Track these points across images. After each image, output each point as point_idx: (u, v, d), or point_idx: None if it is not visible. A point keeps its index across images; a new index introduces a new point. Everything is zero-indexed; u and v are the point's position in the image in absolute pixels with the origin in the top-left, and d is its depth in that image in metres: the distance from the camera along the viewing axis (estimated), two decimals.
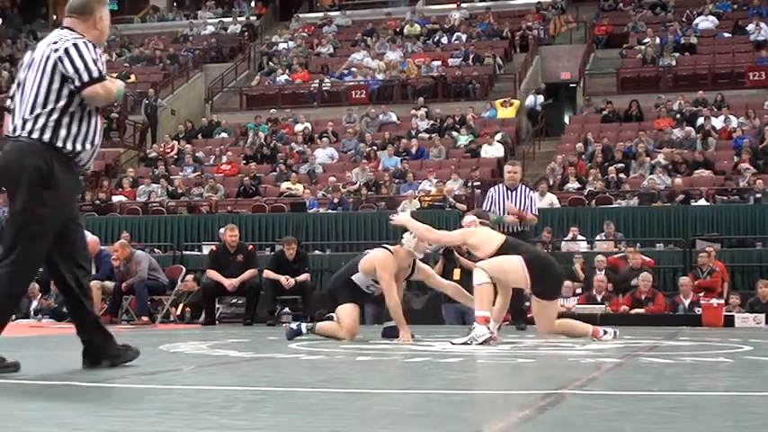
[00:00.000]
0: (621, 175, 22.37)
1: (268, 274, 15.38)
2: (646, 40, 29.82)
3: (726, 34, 30.38)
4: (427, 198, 22.36)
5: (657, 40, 29.66)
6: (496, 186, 13.49)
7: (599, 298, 16.44)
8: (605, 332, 9.38)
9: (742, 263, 18.08)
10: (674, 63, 28.68)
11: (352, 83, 30.56)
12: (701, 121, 24.83)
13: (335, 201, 22.07)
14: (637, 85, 28.52)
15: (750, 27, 29.59)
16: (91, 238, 17.59)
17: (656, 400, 4.76)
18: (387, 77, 30.52)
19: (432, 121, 27.63)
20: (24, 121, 5.81)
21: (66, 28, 5.98)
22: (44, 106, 5.80)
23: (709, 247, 17.48)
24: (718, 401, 4.73)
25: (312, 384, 5.54)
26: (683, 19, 31.24)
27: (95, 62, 5.82)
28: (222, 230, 16.59)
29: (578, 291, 16.83)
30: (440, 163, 25.06)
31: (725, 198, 20.83)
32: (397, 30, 33.89)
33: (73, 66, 5.77)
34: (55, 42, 5.86)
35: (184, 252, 19.89)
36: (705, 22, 30.87)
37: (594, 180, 22.12)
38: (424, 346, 8.94)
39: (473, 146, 25.55)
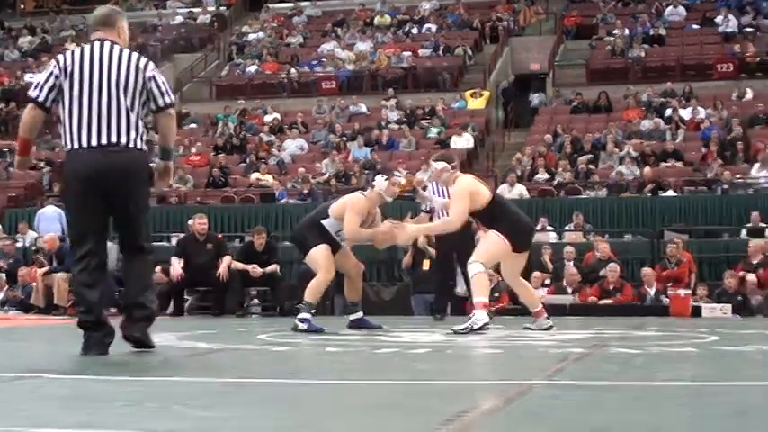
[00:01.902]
0: (590, 166, 22.45)
1: (236, 264, 15.33)
2: (615, 32, 29.91)
3: (694, 26, 30.52)
4: (397, 189, 22.31)
5: (626, 32, 29.76)
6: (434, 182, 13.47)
7: (569, 289, 16.51)
8: (547, 319, 9.83)
9: (709, 253, 18.19)
10: (642, 54, 28.79)
11: (322, 73, 30.50)
12: (669, 112, 24.95)
13: (305, 192, 22.04)
14: (606, 76, 28.59)
15: (718, 19, 29.73)
16: (48, 236, 17.59)
17: (624, 390, 4.78)
18: (357, 68, 30.48)
19: (402, 112, 27.62)
20: (130, 129, 6.60)
21: (107, 40, 6.58)
22: (137, 116, 6.62)
23: (677, 238, 17.58)
24: (684, 391, 4.76)
25: (280, 375, 5.53)
26: (653, 10, 31.35)
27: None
28: (191, 221, 16.54)
29: (547, 281, 16.88)
30: (410, 154, 25.05)
31: (693, 189, 20.97)
32: (368, 20, 33.84)
33: (159, 88, 6.65)
34: (138, 59, 6.60)
35: (153, 243, 19.77)
36: (674, 14, 31.00)
37: (563, 171, 22.19)
38: (393, 337, 8.94)
39: (443, 137, 25.56)
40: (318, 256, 9.90)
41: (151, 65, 6.61)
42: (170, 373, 5.71)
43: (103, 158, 6.37)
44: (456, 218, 9.49)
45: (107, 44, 6.54)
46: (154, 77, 6.52)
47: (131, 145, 6.45)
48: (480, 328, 8.99)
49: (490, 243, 9.42)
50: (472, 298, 9.49)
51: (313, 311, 9.92)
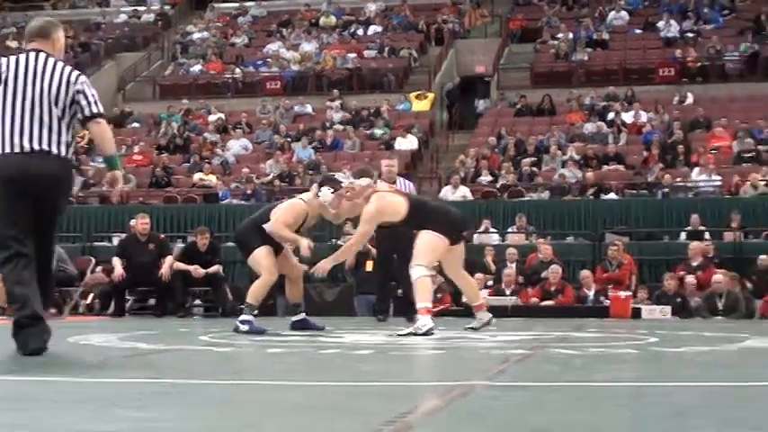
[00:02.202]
0: (534, 169, 22.59)
1: (178, 265, 15.24)
2: (559, 36, 30.12)
3: (637, 31, 30.82)
4: None
5: (570, 36, 29.99)
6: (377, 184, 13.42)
7: (507, 291, 16.59)
8: (486, 315, 9.95)
9: (650, 256, 18.39)
10: (586, 58, 29.03)
11: (267, 73, 30.41)
12: (611, 115, 25.17)
13: (249, 192, 21.96)
14: (549, 79, 28.78)
15: (660, 24, 30.05)
16: None
17: (564, 391, 4.82)
18: (302, 69, 30.43)
19: (346, 113, 27.61)
20: (59, 140, 6.67)
21: (41, 51, 6.72)
22: (68, 127, 6.74)
23: (618, 241, 17.76)
24: (623, 392, 4.80)
25: (221, 377, 5.51)
26: (596, 15, 31.62)
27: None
28: (133, 221, 16.42)
29: (489, 283, 16.96)
30: (354, 155, 25.05)
31: (634, 192, 21.18)
32: (313, 21, 33.77)
33: (86, 98, 6.75)
34: (66, 69, 6.70)
35: (94, 243, 19.63)
36: (617, 19, 31.29)
37: (507, 173, 22.31)
38: (336, 338, 8.94)
39: (388, 138, 25.58)
40: (261, 257, 9.86)
41: (82, 78, 6.76)
42: (110, 374, 5.66)
43: (31, 163, 6.46)
44: (359, 239, 9.69)
45: (42, 55, 6.69)
46: (83, 90, 6.67)
47: (61, 153, 6.58)
48: (425, 334, 8.92)
49: (426, 243, 9.35)
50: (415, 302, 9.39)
51: (255, 313, 9.89)
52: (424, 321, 9.04)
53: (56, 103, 6.58)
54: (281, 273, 10.17)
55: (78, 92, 6.65)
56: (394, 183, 12.70)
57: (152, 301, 15.88)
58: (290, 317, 10.49)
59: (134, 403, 4.16)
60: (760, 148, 22.55)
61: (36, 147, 6.51)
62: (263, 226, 9.93)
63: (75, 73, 6.75)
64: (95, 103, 6.74)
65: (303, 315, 10.27)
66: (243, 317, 9.76)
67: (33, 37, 6.85)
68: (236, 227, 10.49)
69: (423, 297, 9.23)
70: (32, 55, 6.71)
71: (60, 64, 6.74)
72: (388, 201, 9.51)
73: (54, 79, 6.63)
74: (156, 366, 6.38)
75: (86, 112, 6.69)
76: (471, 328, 9.97)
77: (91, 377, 5.45)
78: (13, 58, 6.75)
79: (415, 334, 8.92)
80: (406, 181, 13.37)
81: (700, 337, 9.88)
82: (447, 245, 9.39)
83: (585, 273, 16.88)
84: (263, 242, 9.89)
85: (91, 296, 16.55)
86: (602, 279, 16.91)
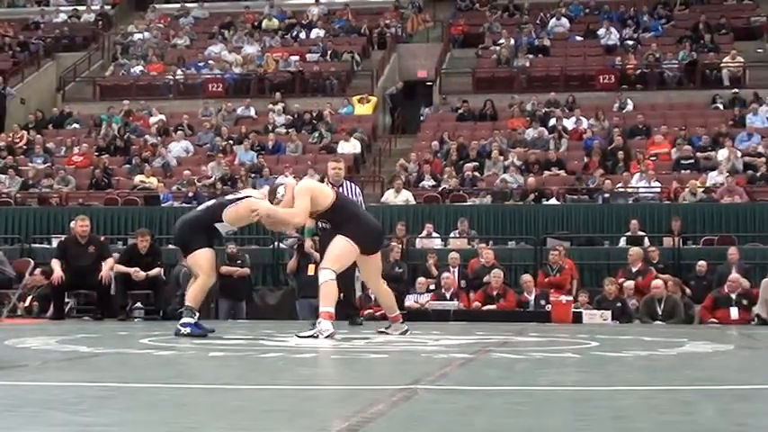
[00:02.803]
0: (476, 174, 22.68)
1: (119, 267, 15.10)
2: (501, 41, 30.28)
3: (578, 37, 31.08)
4: None
5: (512, 42, 30.17)
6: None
7: (447, 295, 16.64)
8: (402, 324, 10.22)
9: (590, 260, 18.54)
10: (527, 64, 29.21)
11: (209, 75, 30.25)
12: (553, 121, 25.36)
13: (190, 195, 21.82)
14: (491, 84, 28.93)
15: (601, 31, 30.32)
16: None
17: (506, 395, 4.84)
18: (244, 71, 30.31)
19: (289, 117, 27.55)
20: None
21: None
22: None
23: (559, 245, 17.89)
24: (565, 396, 4.83)
25: (163, 380, 5.46)
26: (537, 21, 31.84)
27: None
28: (73, 223, 16.24)
29: (432, 287, 16.99)
30: (296, 158, 25.00)
31: (575, 197, 21.35)
32: (255, 23, 33.65)
33: None
34: None
35: (33, 245, 19.39)
36: (558, 26, 31.53)
37: (449, 178, 22.38)
38: (278, 342, 8.91)
39: (329, 142, 25.55)
40: (202, 259, 9.76)
41: None
42: (49, 378, 5.59)
43: None
44: (299, 210, 9.47)
45: None
46: None
47: None
48: (327, 338, 8.96)
49: (338, 247, 9.49)
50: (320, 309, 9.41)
51: (196, 315, 9.80)
52: (326, 326, 9.11)
53: None
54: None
55: None
56: (340, 185, 12.65)
57: (92, 304, 15.69)
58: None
59: (74, 407, 4.11)
60: (698, 155, 22.85)
61: None
62: (216, 225, 9.75)
63: None
64: None
65: (196, 320, 10.04)
66: (184, 320, 9.67)
67: None
68: (177, 224, 10.17)
69: (327, 302, 9.31)
70: None
71: None
72: (317, 184, 9.99)
73: None
74: (96, 370, 6.32)
75: None
76: (383, 331, 10.25)
77: (29, 380, 5.38)
78: None
79: (316, 337, 9.00)
80: (353, 184, 13.30)
81: (639, 341, 9.98)
82: (357, 253, 9.56)
83: (526, 277, 16.98)
84: (207, 243, 9.79)
85: (29, 299, 16.34)
86: (543, 284, 17.02)
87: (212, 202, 10.53)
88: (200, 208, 10.41)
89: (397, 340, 9.32)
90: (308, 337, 9.05)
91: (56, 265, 15.05)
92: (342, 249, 9.48)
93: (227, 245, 17.88)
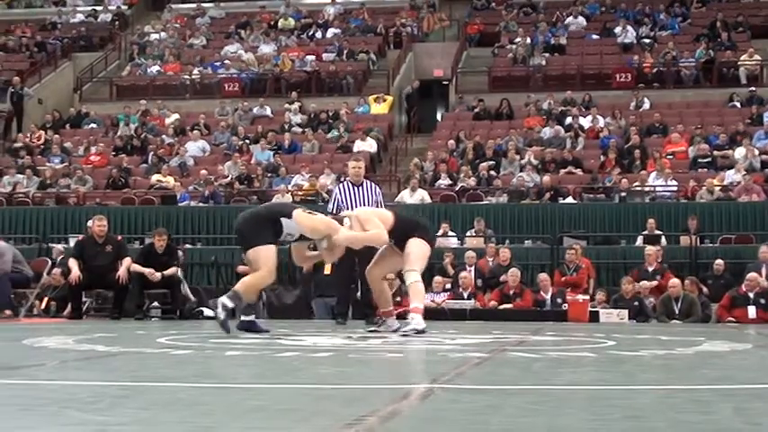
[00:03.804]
0: (492, 173, 22.67)
1: (136, 267, 15.15)
2: (517, 40, 30.26)
3: (594, 36, 31.03)
4: (300, 193, 22.32)
5: (528, 40, 30.13)
6: (341, 184, 13.37)
7: (465, 294, 16.63)
8: (395, 320, 10.60)
9: (607, 259, 18.50)
10: (543, 63, 29.18)
11: (225, 75, 30.31)
12: (569, 120, 25.32)
13: (207, 194, 21.87)
14: (507, 83, 28.91)
15: (617, 29, 30.28)
16: None
17: (523, 394, 4.83)
18: (260, 71, 30.35)
19: (305, 116, 27.57)
20: None
21: None
22: None
23: (576, 244, 17.86)
24: (582, 395, 4.82)
25: (180, 379, 5.47)
26: (553, 20, 31.80)
27: None
28: (90, 222, 16.30)
29: (448, 286, 16.99)
30: (312, 157, 25.03)
31: (591, 196, 21.31)
32: (272, 23, 33.71)
33: None
34: None
35: (51, 244, 19.46)
36: (574, 24, 31.48)
37: (465, 177, 22.38)
38: (295, 341, 8.92)
39: (346, 141, 25.58)
40: (267, 255, 9.55)
41: None
42: (67, 377, 5.61)
43: None
44: (380, 230, 9.86)
45: None
46: None
47: None
48: (421, 332, 9.65)
49: (418, 248, 9.99)
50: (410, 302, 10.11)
51: (241, 306, 9.66)
52: (418, 320, 9.81)
53: None
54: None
55: None
56: (360, 184, 12.68)
57: (109, 304, 15.74)
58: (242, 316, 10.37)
59: (91, 406, 4.12)
60: (715, 153, 22.78)
61: None
62: (282, 220, 9.64)
63: None
64: None
65: (253, 317, 10.26)
66: (223, 300, 9.50)
67: None
68: (240, 218, 9.93)
69: (418, 299, 10.00)
70: None
71: None
72: (375, 209, 10.55)
73: None
74: (113, 369, 6.33)
75: None
76: (374, 330, 10.60)
77: (46, 379, 5.40)
78: None
79: (416, 330, 9.67)
80: (373, 184, 13.32)
81: (656, 340, 9.95)
82: (428, 252, 10.21)
83: (543, 276, 16.96)
84: (272, 239, 9.64)
85: (46, 298, 16.40)
86: (559, 283, 17.00)
87: (280, 200, 10.66)
88: (266, 204, 10.43)
89: (414, 339, 9.32)
90: (406, 333, 9.64)
91: (73, 264, 15.08)
92: (421, 249, 10.05)
93: None
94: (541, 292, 16.70)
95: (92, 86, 31.91)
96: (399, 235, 9.96)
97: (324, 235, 9.70)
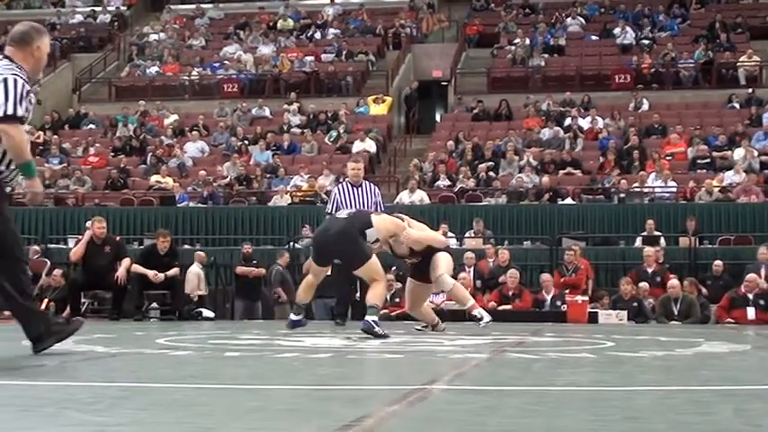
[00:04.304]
0: (491, 174, 22.68)
1: (136, 268, 15.16)
2: (516, 41, 30.27)
3: (593, 37, 31.04)
4: (298, 193, 22.33)
5: (527, 41, 30.15)
6: (340, 185, 13.41)
7: None
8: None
9: (606, 260, 18.51)
10: (542, 64, 29.19)
11: (224, 76, 30.31)
12: (568, 121, 25.34)
13: (206, 195, 21.87)
14: (507, 84, 28.92)
15: (616, 30, 30.30)
16: None
17: (522, 395, 4.83)
18: (259, 72, 30.36)
19: (304, 117, 27.58)
20: None
21: (6, 57, 6.45)
22: None
23: (575, 245, 17.86)
24: (581, 396, 4.82)
25: (179, 380, 5.47)
26: (552, 21, 31.81)
27: (17, 102, 6.20)
28: (89, 223, 16.29)
29: None
30: (311, 158, 25.04)
31: (590, 197, 21.31)
32: (270, 24, 33.71)
33: None
34: None
35: (49, 245, 19.46)
36: (573, 25, 31.49)
37: (465, 178, 22.38)
38: (294, 342, 8.92)
39: (345, 142, 25.58)
40: (377, 267, 9.81)
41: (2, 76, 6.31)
42: (66, 378, 5.61)
43: None
44: (435, 233, 11.14)
45: None
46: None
47: None
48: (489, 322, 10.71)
49: (443, 257, 10.63)
50: (465, 307, 11.08)
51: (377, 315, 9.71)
52: (482, 313, 10.87)
53: None
54: (306, 274, 10.58)
55: None
56: (359, 185, 12.69)
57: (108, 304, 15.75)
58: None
59: (90, 407, 4.12)
60: (714, 154, 22.79)
61: None
62: (367, 231, 9.81)
63: (6, 73, 6.31)
64: (5, 102, 6.19)
65: (302, 316, 10.57)
66: (369, 318, 9.55)
67: (10, 42, 6.57)
68: (331, 237, 9.95)
69: (467, 297, 11.11)
70: None
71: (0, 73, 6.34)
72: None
73: None
74: (112, 370, 6.33)
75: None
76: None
77: (45, 380, 5.39)
78: None
79: (488, 323, 10.68)
80: (372, 185, 13.33)
81: (655, 341, 9.95)
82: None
83: (546, 276, 16.95)
84: (369, 251, 9.79)
85: (46, 299, 16.40)
86: (558, 284, 17.00)
87: (350, 211, 10.66)
88: (341, 217, 10.26)
89: (413, 340, 9.32)
90: (485, 324, 10.62)
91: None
92: (447, 257, 10.74)
93: (243, 245, 17.94)
94: (543, 293, 16.70)
95: (91, 87, 31.92)
96: (424, 253, 10.56)
97: (394, 234, 10.20)
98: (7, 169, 6.38)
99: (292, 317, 10.57)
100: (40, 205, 17.78)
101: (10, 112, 6.17)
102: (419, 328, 11.12)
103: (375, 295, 9.72)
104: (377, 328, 9.36)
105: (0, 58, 6.46)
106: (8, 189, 6.58)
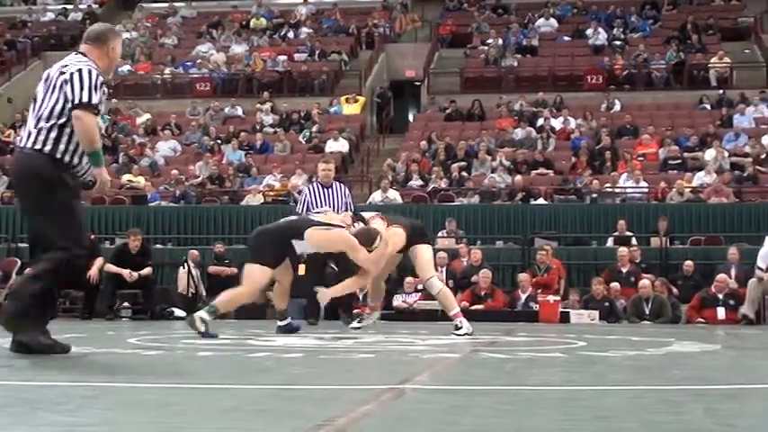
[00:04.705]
0: (464, 174, 22.70)
1: (109, 267, 15.09)
2: (489, 41, 30.33)
3: (566, 38, 31.14)
4: (271, 193, 22.28)
5: (500, 42, 30.20)
6: (310, 185, 13.46)
7: None
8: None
9: (578, 260, 18.57)
10: (515, 64, 29.26)
11: (197, 75, 30.21)
12: (541, 121, 25.40)
13: (178, 194, 21.79)
14: (479, 84, 28.97)
15: (589, 31, 30.40)
16: None
17: (494, 395, 4.84)
18: (232, 71, 30.27)
19: (277, 116, 27.53)
20: (29, 134, 6.54)
21: (81, 53, 6.76)
22: (47, 121, 6.50)
23: (547, 245, 17.91)
24: (552, 395, 4.84)
25: (150, 380, 5.45)
26: (525, 21, 31.89)
27: (92, 90, 6.49)
28: None
29: (420, 287, 16.97)
30: (284, 158, 24.99)
31: (563, 197, 21.37)
32: (243, 23, 33.63)
33: (72, 88, 6.45)
34: (65, 66, 6.61)
35: (20, 244, 19.32)
36: (546, 26, 31.58)
37: (437, 178, 22.39)
38: (266, 342, 8.90)
39: (318, 141, 25.55)
40: (256, 277, 9.56)
41: (72, 68, 6.57)
42: (35, 377, 5.57)
43: (12, 159, 6.75)
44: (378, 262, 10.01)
45: (71, 56, 6.76)
46: (69, 80, 6.50)
47: (35, 147, 6.49)
48: (470, 333, 9.88)
49: (427, 253, 10.41)
50: (450, 313, 10.30)
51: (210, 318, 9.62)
52: (465, 323, 10.04)
53: (50, 97, 6.54)
54: (275, 279, 10.15)
55: (66, 81, 6.51)
56: (330, 185, 12.70)
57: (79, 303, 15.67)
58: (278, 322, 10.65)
59: (60, 407, 4.10)
60: (686, 155, 22.91)
61: (20, 143, 6.64)
62: (294, 242, 9.59)
63: (75, 66, 6.57)
64: (79, 91, 6.48)
65: (289, 320, 10.62)
66: (280, 323, 10.06)
67: (87, 40, 6.85)
68: (256, 231, 10.02)
69: (452, 304, 10.41)
70: (67, 57, 6.76)
71: (70, 58, 6.71)
72: (391, 230, 10.14)
73: (55, 74, 6.60)
74: (83, 369, 6.30)
75: (70, 103, 6.51)
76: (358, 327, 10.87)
77: (14, 380, 5.36)
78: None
79: (468, 333, 9.86)
80: (342, 185, 13.35)
81: (627, 341, 9.99)
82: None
83: (523, 276, 16.98)
84: (273, 262, 9.60)
85: None
86: (531, 283, 17.04)
87: (297, 217, 10.55)
88: (283, 220, 10.22)
89: (386, 340, 9.32)
90: (461, 335, 9.80)
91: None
92: (429, 253, 10.47)
93: (215, 244, 17.90)
94: (519, 292, 16.74)
95: None
96: (407, 245, 10.31)
97: (340, 249, 9.86)
98: (80, 162, 6.61)
99: (279, 323, 10.62)
100: (104, 196, 18.00)
101: (85, 99, 6.46)
102: (355, 326, 11.12)
103: (223, 297, 9.60)
104: (196, 324, 9.18)
105: (74, 54, 6.77)
106: (78, 181, 6.70)
